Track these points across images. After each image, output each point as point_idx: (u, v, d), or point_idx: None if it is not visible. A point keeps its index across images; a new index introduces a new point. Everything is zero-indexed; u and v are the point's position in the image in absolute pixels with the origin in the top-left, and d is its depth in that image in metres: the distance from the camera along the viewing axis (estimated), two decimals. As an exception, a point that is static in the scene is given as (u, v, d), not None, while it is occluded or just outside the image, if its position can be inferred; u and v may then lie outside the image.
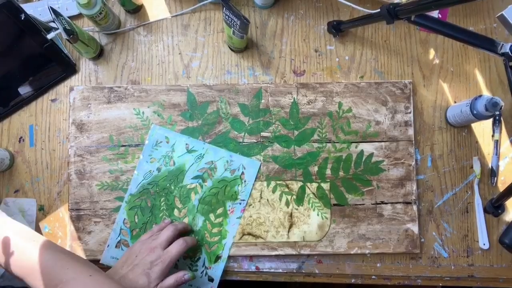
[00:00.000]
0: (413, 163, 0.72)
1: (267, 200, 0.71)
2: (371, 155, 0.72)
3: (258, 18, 0.77)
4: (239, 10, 0.61)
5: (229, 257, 0.70)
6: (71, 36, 0.64)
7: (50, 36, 0.72)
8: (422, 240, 0.72)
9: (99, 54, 0.75)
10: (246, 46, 0.75)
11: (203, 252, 0.69)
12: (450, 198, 0.73)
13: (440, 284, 0.73)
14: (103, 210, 0.70)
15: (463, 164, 0.74)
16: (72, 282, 0.50)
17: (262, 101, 0.73)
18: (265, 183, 0.71)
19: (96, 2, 0.66)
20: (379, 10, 0.60)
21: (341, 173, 0.72)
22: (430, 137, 0.74)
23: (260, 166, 0.71)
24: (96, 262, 0.70)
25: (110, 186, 0.71)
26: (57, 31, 0.72)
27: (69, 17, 0.70)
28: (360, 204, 0.71)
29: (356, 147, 0.72)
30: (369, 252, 0.70)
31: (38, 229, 0.72)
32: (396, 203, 0.71)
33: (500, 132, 0.74)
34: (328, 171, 0.72)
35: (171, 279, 0.59)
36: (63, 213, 0.72)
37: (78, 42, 0.66)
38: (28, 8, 0.73)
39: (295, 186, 0.71)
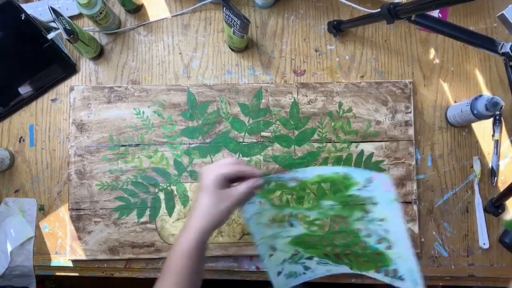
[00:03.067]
0: (413, 162, 0.72)
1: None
2: (371, 154, 0.72)
3: (258, 18, 0.77)
4: (239, 10, 0.61)
5: (229, 256, 0.70)
6: (71, 36, 0.64)
7: (50, 36, 0.72)
8: (422, 239, 0.72)
9: (99, 54, 0.75)
10: (246, 46, 0.75)
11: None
12: (450, 197, 0.73)
13: (440, 284, 0.73)
14: (103, 210, 0.70)
15: (463, 164, 0.74)
16: None
17: (263, 100, 0.73)
18: (265, 183, 0.71)
19: (96, 2, 0.66)
20: (379, 9, 0.60)
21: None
22: (430, 137, 0.74)
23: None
24: (96, 261, 0.71)
25: (110, 186, 0.71)
26: (57, 31, 0.72)
27: (69, 17, 0.70)
28: (360, 204, 0.71)
29: (356, 146, 0.72)
30: (370, 251, 0.70)
31: (38, 229, 0.72)
32: (397, 202, 0.71)
33: (500, 132, 0.74)
34: (328, 171, 0.71)
35: (245, 185, 0.52)
36: (63, 213, 0.72)
37: (78, 42, 0.66)
38: (28, 8, 0.73)
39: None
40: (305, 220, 0.66)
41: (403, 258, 0.64)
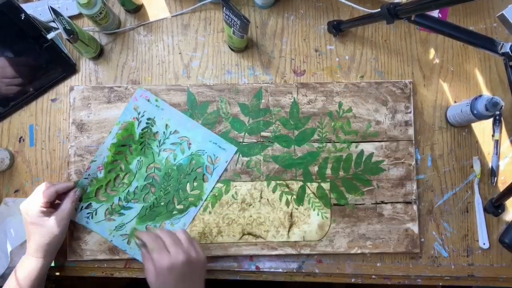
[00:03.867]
0: (413, 162, 0.72)
1: (267, 200, 0.71)
2: (371, 155, 0.72)
3: (258, 18, 0.77)
4: (239, 10, 0.61)
5: (229, 256, 0.71)
6: (71, 36, 0.64)
7: (50, 36, 0.72)
8: (422, 239, 0.72)
9: (99, 54, 0.75)
10: (246, 46, 0.75)
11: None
12: (450, 197, 0.73)
13: (440, 284, 0.73)
14: (103, 210, 0.70)
15: (463, 164, 0.74)
16: None
17: (262, 100, 0.73)
18: (265, 183, 0.71)
19: (96, 2, 0.66)
20: (379, 9, 0.60)
21: (341, 173, 0.72)
22: (430, 137, 0.74)
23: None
24: (96, 261, 0.71)
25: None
26: (57, 31, 0.72)
27: (69, 17, 0.69)
28: (360, 204, 0.71)
29: (356, 147, 0.72)
30: (369, 251, 0.71)
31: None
32: (396, 202, 0.71)
33: (500, 132, 0.74)
34: (328, 171, 0.72)
35: (66, 203, 0.63)
36: (63, 213, 0.72)
37: (78, 42, 0.66)
38: (28, 8, 0.73)
39: (295, 186, 0.71)
40: (137, 197, 0.70)
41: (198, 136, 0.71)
